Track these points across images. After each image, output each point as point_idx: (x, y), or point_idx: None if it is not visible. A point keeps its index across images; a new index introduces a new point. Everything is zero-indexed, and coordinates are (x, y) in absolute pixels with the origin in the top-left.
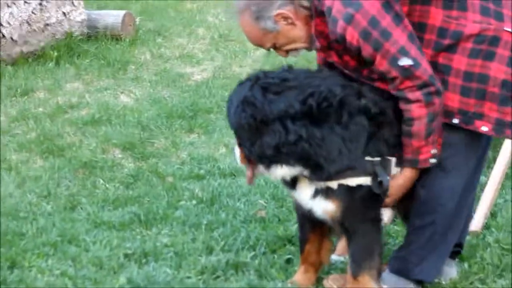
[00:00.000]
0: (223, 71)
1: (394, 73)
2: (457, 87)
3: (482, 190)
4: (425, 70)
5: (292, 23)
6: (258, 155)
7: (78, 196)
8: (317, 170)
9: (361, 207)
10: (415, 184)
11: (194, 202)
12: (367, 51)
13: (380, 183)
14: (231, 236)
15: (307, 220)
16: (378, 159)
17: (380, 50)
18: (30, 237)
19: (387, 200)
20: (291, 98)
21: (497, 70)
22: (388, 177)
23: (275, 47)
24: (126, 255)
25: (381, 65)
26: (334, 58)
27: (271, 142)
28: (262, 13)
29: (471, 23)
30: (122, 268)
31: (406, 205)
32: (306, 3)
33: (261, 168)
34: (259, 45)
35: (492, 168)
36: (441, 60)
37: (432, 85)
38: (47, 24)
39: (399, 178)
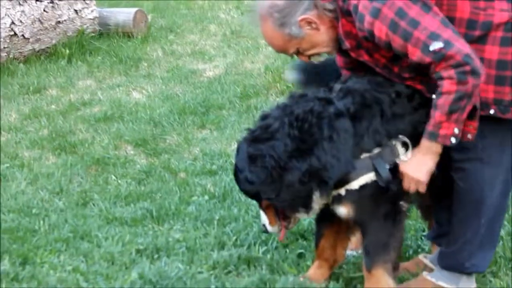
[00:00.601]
0: (235, 67)
1: (427, 59)
2: (491, 78)
3: None
4: (459, 49)
5: (317, 28)
6: (289, 198)
7: (90, 193)
8: (322, 187)
9: (372, 204)
10: (450, 179)
11: (206, 197)
12: (397, 43)
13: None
14: (243, 231)
15: (325, 215)
16: (376, 151)
17: (410, 40)
18: (42, 233)
19: (413, 184)
20: (281, 137)
21: None
22: (387, 167)
23: (298, 52)
24: (138, 251)
25: (414, 54)
26: (365, 57)
27: (293, 179)
28: (286, 19)
29: (499, 11)
30: (134, 263)
31: (426, 201)
32: (330, 6)
33: (298, 213)
34: (283, 51)
35: None
36: None
37: (467, 64)
38: (59, 22)
39: (416, 152)
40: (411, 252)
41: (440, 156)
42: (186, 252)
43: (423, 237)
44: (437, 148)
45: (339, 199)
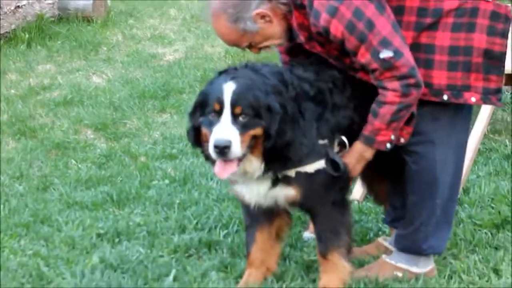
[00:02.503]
0: (195, 51)
1: (374, 65)
2: (443, 64)
3: None
4: (407, 61)
5: (270, 21)
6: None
7: (50, 177)
8: (281, 162)
9: (322, 190)
10: (402, 163)
11: (166, 181)
12: (351, 43)
13: (335, 164)
14: (204, 214)
15: (255, 220)
16: (328, 141)
17: (365, 42)
18: (3, 218)
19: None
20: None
21: (479, 40)
22: (341, 159)
23: (250, 46)
24: (98, 235)
25: (363, 57)
26: (317, 49)
27: (287, 137)
28: (240, 14)
29: None
30: (94, 247)
31: (377, 186)
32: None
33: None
34: (235, 45)
35: None
36: (423, 40)
37: (412, 77)
38: (18, 7)
39: (350, 156)
40: (371, 235)
41: None
42: (147, 236)
43: (383, 220)
44: (370, 153)
45: (287, 181)
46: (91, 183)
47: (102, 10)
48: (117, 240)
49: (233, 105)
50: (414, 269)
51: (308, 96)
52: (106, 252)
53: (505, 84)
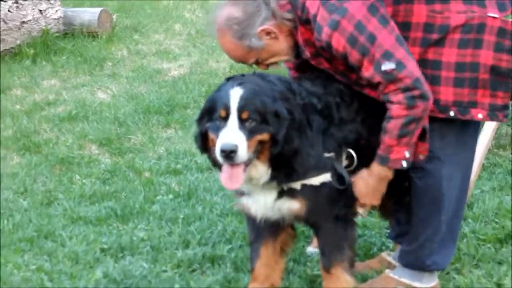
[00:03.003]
0: (200, 67)
1: (377, 78)
2: (450, 80)
3: None
4: (410, 72)
5: (276, 37)
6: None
7: (54, 192)
8: (287, 171)
9: (326, 204)
10: (408, 179)
11: (171, 196)
12: (354, 57)
13: (341, 178)
14: (208, 229)
15: (260, 234)
16: (334, 154)
17: (367, 55)
18: (7, 232)
19: (363, 202)
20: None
21: (486, 57)
22: (345, 170)
23: (257, 62)
24: (102, 250)
25: (367, 70)
26: (324, 65)
27: (295, 145)
28: (245, 31)
29: (455, 14)
30: (98, 262)
31: (382, 201)
32: (289, 16)
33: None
34: (242, 61)
35: None
36: (430, 56)
37: (416, 89)
38: (24, 22)
39: (368, 176)
40: (375, 249)
41: None
42: (150, 251)
43: (387, 235)
44: (388, 172)
45: (292, 193)
46: (95, 198)
47: (107, 25)
48: (120, 255)
49: (240, 110)
50: (417, 285)
51: (315, 109)
52: (110, 267)
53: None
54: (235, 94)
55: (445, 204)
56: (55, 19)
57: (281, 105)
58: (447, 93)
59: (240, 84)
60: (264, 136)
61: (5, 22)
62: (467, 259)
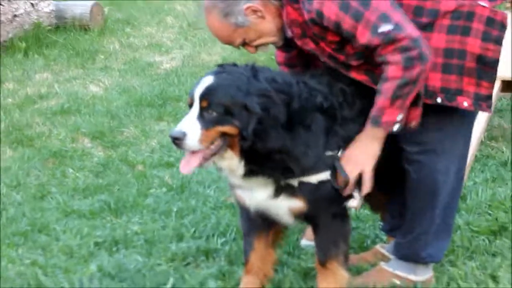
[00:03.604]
0: (192, 60)
1: (375, 41)
2: (438, 66)
3: None
4: (408, 33)
5: (262, 16)
6: (261, 147)
7: (48, 186)
8: (285, 169)
9: (326, 202)
10: (402, 171)
11: (164, 189)
12: (347, 23)
13: (336, 176)
14: (202, 222)
15: (253, 227)
16: (336, 152)
17: (361, 20)
18: (0, 227)
19: (357, 170)
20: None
21: (473, 45)
22: (346, 174)
23: (245, 43)
24: (96, 243)
25: (363, 36)
26: (310, 45)
27: (276, 144)
28: (231, 8)
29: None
30: (92, 256)
31: (373, 195)
32: None
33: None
34: (229, 42)
35: None
36: None
37: (414, 49)
38: (15, 15)
39: (361, 137)
40: (369, 242)
41: (390, 149)
42: (144, 244)
43: (380, 227)
44: (381, 133)
45: (291, 191)
46: (88, 192)
47: (99, 18)
48: (114, 248)
49: (201, 99)
50: (412, 277)
51: (318, 108)
52: (104, 261)
53: (502, 91)
54: (203, 83)
55: (440, 197)
56: (47, 12)
57: (254, 100)
58: (435, 79)
59: (216, 74)
60: (227, 129)
61: None
62: (461, 251)
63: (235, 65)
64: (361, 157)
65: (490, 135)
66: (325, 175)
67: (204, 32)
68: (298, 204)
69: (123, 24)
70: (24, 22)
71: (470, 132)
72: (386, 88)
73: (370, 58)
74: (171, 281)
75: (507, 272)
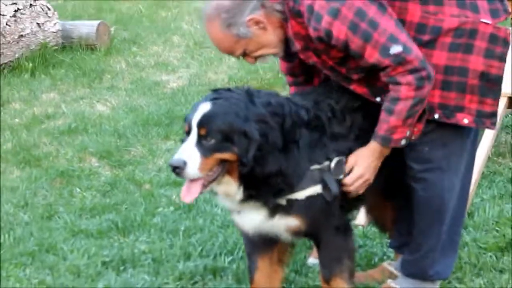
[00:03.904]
0: (199, 78)
1: (386, 62)
2: (437, 82)
3: None
4: (416, 55)
5: (264, 28)
6: (261, 172)
7: (55, 205)
8: (270, 190)
9: (323, 216)
10: (409, 189)
11: (171, 208)
12: (356, 44)
13: (328, 189)
14: (209, 241)
15: (256, 247)
16: (326, 164)
17: (370, 41)
18: (8, 247)
19: (360, 183)
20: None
21: (475, 62)
22: (335, 184)
23: (245, 54)
24: (104, 263)
25: (372, 56)
26: (313, 59)
27: (273, 168)
28: (234, 19)
29: (449, 17)
30: (100, 275)
31: (382, 214)
32: (279, 7)
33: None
34: (229, 52)
35: None
36: None
37: (424, 69)
38: (22, 36)
39: (367, 153)
40: (376, 259)
41: (398, 168)
42: (152, 263)
43: (388, 244)
44: (387, 151)
45: (286, 210)
46: (96, 211)
47: (106, 38)
48: (122, 268)
49: (199, 127)
50: None
51: (303, 122)
52: (111, 280)
53: (509, 107)
54: (201, 110)
55: (446, 214)
56: (53, 32)
57: (253, 126)
58: (433, 95)
59: (212, 100)
60: (227, 156)
61: (4, 36)
62: (468, 268)
63: (229, 89)
64: (367, 173)
65: (497, 151)
66: (313, 190)
67: (211, 51)
68: (294, 222)
69: (130, 44)
70: (30, 42)
71: (475, 148)
72: (399, 109)
73: (371, 72)
74: None
75: None
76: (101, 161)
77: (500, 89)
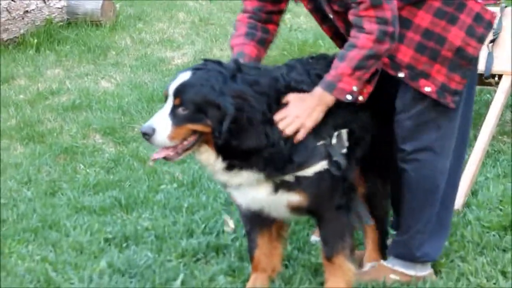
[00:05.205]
0: (204, 55)
1: None
2: (413, 42)
3: (463, 168)
4: (393, 8)
5: None
6: (238, 145)
7: (58, 182)
8: (280, 165)
9: (327, 193)
10: (400, 170)
11: (175, 185)
12: None
13: (336, 163)
14: (212, 218)
15: (255, 225)
16: (328, 139)
17: None
18: (11, 223)
19: (295, 125)
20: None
21: (455, 35)
22: (342, 157)
23: None
24: (106, 240)
25: None
26: None
27: (251, 143)
28: None
29: None
30: (102, 252)
31: (380, 209)
32: None
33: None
34: None
35: (473, 146)
36: (404, 13)
37: (391, 26)
38: (27, 11)
39: (309, 98)
40: None
41: (390, 149)
42: (154, 240)
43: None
44: (330, 100)
45: (289, 186)
46: (99, 188)
47: (111, 14)
48: (125, 244)
49: (175, 95)
50: (412, 272)
51: None
52: (114, 257)
53: None
54: (179, 79)
55: (438, 196)
56: (59, 8)
57: (228, 101)
58: (405, 54)
59: (193, 70)
60: (199, 127)
61: (9, 12)
62: (471, 247)
63: (219, 62)
64: (303, 114)
65: (501, 130)
66: (320, 166)
67: (216, 28)
68: (297, 198)
69: (135, 20)
70: (35, 18)
71: (468, 131)
72: (352, 56)
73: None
74: (181, 277)
75: None
76: (105, 138)
77: (470, 71)
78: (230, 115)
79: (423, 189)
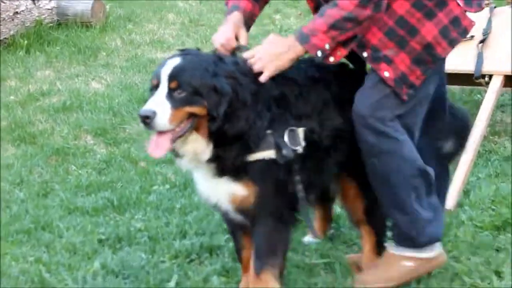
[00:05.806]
0: None
1: None
2: (385, 26)
3: (455, 168)
4: None
5: None
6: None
7: (51, 183)
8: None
9: (270, 192)
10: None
11: (167, 186)
12: None
13: (284, 157)
14: (205, 219)
15: (235, 225)
16: (280, 132)
17: None
18: (4, 224)
19: (261, 64)
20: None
21: (429, 31)
22: (290, 148)
23: None
24: (100, 241)
25: None
26: None
27: (241, 126)
28: None
29: None
30: (96, 253)
31: (356, 208)
32: None
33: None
34: None
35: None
36: None
37: None
38: (17, 13)
39: (281, 43)
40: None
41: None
42: (148, 241)
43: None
44: (300, 51)
45: (237, 173)
46: (91, 189)
47: (101, 15)
48: (118, 245)
49: (170, 79)
50: (422, 255)
51: (270, 95)
52: (108, 258)
53: (504, 86)
54: (170, 64)
55: (410, 185)
56: (49, 9)
57: (223, 81)
58: (374, 34)
59: (181, 55)
60: (197, 109)
61: None
62: (464, 247)
63: (198, 49)
64: (269, 58)
65: (492, 130)
66: (268, 154)
67: (206, 29)
68: (241, 190)
69: (125, 21)
70: (25, 19)
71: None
72: (330, 13)
73: None
74: (174, 278)
75: (511, 267)
76: (96, 139)
77: (431, 70)
78: (228, 95)
79: (394, 180)
